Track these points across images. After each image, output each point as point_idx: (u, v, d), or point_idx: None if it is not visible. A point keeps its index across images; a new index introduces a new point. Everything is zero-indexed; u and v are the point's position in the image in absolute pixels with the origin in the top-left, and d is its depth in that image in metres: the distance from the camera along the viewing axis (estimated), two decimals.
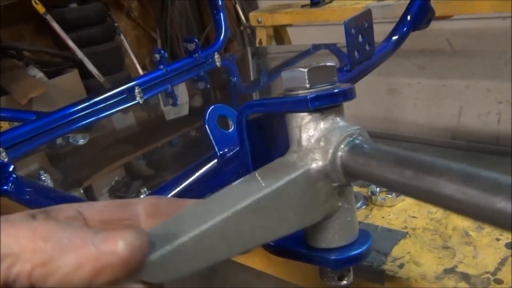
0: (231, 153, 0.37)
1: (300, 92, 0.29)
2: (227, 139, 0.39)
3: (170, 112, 1.06)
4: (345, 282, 0.32)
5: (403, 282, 0.38)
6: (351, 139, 0.27)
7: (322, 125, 0.28)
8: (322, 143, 0.27)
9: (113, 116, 0.97)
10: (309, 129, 0.28)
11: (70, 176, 0.87)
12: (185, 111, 1.06)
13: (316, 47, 1.20)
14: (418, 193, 0.22)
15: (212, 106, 0.38)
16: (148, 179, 0.85)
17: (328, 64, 0.29)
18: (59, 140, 0.92)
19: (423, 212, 0.46)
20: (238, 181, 0.28)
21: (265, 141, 0.34)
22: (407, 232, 0.43)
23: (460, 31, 1.83)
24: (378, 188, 0.49)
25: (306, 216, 0.28)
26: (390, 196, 0.47)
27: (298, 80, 0.29)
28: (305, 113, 0.28)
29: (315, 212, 0.28)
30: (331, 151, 0.27)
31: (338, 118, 0.29)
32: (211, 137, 0.38)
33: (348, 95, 0.29)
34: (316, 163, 0.27)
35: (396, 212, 0.47)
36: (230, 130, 0.39)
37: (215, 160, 0.44)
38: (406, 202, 0.48)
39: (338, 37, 1.18)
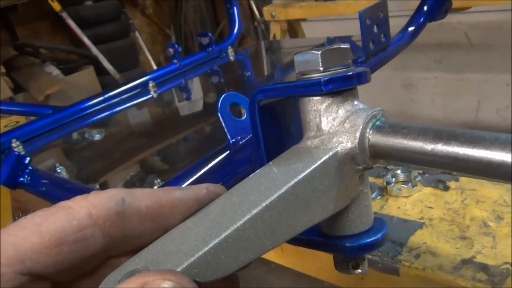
0: (243, 141, 0.37)
1: (313, 75, 0.28)
2: (239, 127, 0.38)
3: (185, 107, 1.06)
4: (359, 270, 0.31)
5: (419, 273, 0.37)
6: (376, 119, 0.26)
7: (343, 108, 0.28)
8: (347, 126, 0.27)
9: (128, 111, 0.98)
10: (330, 113, 0.28)
11: (86, 171, 0.88)
12: (199, 106, 1.06)
13: (331, 41, 1.19)
14: (461, 165, 0.22)
15: (225, 94, 0.38)
16: (162, 174, 0.85)
17: (342, 46, 0.29)
18: (75, 135, 0.93)
19: (440, 202, 0.45)
20: (258, 171, 0.27)
21: (277, 128, 0.33)
22: (423, 223, 0.42)
23: (478, 24, 1.80)
24: (393, 178, 0.48)
25: (336, 202, 0.27)
26: (406, 186, 0.46)
27: (311, 63, 0.28)
28: (325, 97, 0.28)
29: (342, 197, 0.27)
30: (358, 132, 0.26)
31: (356, 101, 0.28)
32: (224, 125, 0.38)
33: (362, 77, 0.28)
34: (343, 146, 0.26)
35: (412, 202, 0.46)
36: (243, 118, 0.39)
37: (228, 150, 0.44)
38: (422, 193, 0.47)
39: (352, 31, 1.16)
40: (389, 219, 0.44)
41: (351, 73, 0.28)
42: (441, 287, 0.36)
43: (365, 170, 0.28)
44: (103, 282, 0.22)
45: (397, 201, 0.46)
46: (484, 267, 0.36)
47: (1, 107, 0.94)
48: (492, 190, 0.44)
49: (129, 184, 0.86)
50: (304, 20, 1.64)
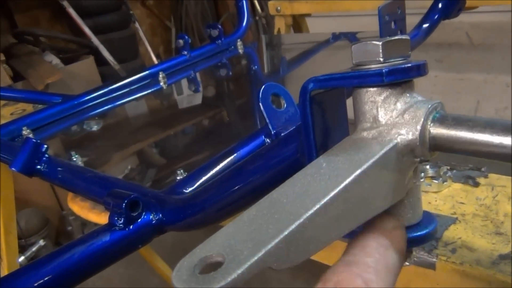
0: (287, 131, 0.36)
1: (373, 66, 0.28)
2: (280, 117, 0.38)
3: (183, 100, 1.06)
4: (407, 263, 0.31)
5: (457, 267, 0.37)
6: (436, 112, 0.26)
7: (402, 99, 0.27)
8: (407, 117, 0.27)
9: (126, 104, 0.97)
10: (389, 104, 0.27)
11: (84, 162, 0.87)
12: (198, 100, 1.05)
13: (336, 37, 1.19)
14: None
15: (265, 84, 0.38)
16: (161, 168, 0.85)
17: (403, 38, 0.29)
18: (73, 127, 0.92)
19: (471, 198, 0.45)
20: (316, 161, 0.27)
21: (323, 118, 0.33)
22: (456, 218, 0.43)
23: (479, 24, 1.81)
24: (422, 174, 0.48)
25: (394, 194, 0.27)
26: (437, 181, 0.46)
27: (371, 53, 0.28)
28: (383, 88, 0.27)
29: (400, 189, 0.27)
30: (419, 124, 0.26)
31: (414, 94, 0.28)
32: (265, 116, 0.37)
33: (421, 70, 0.28)
34: (403, 138, 0.26)
35: (443, 198, 0.46)
36: (283, 109, 0.39)
37: (262, 138, 0.43)
38: (452, 188, 0.47)
39: (353, 27, 1.16)
40: None
41: (411, 64, 0.28)
42: (480, 281, 0.36)
43: (421, 163, 0.28)
44: (176, 268, 0.22)
45: (427, 196, 0.46)
46: None
47: (10, 94, 0.93)
48: None
49: (129, 177, 0.85)
50: (308, 15, 1.63)
